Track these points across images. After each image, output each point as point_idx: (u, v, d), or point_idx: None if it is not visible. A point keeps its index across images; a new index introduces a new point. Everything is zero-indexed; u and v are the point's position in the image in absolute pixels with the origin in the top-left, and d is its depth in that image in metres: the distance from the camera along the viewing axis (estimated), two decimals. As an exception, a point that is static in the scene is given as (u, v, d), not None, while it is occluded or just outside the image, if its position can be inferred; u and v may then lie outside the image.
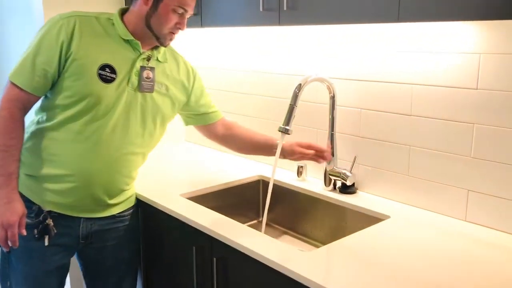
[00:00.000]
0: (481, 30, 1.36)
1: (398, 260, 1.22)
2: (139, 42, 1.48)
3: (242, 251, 1.29)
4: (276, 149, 1.59)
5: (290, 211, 1.83)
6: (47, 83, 1.41)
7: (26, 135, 1.45)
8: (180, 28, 1.47)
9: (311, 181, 1.85)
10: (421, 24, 1.47)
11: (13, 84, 1.39)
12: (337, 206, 1.66)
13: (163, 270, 1.71)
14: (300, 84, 1.57)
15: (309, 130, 1.89)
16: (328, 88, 1.67)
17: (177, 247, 1.63)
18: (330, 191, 1.73)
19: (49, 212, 1.47)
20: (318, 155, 1.65)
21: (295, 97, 1.57)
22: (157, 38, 1.47)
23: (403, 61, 1.55)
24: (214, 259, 1.40)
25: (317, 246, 1.71)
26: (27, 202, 1.43)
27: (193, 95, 1.66)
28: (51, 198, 1.47)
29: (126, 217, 1.63)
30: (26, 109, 1.43)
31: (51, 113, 1.44)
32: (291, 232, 1.83)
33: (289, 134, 1.56)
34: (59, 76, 1.41)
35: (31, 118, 1.50)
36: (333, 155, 1.71)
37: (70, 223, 1.51)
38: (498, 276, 1.15)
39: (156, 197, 1.65)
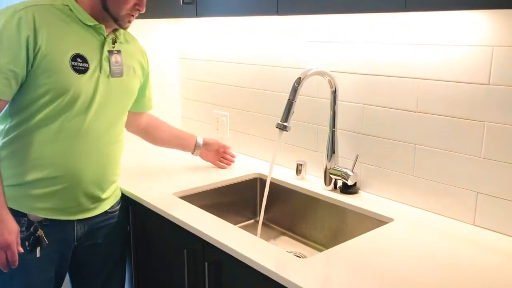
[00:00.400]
0: (494, 20, 1.30)
1: (401, 267, 1.18)
2: (103, 26, 1.43)
3: (236, 256, 1.25)
4: (194, 148, 1.84)
5: (288, 211, 1.79)
6: (16, 84, 1.32)
7: None
8: (139, 10, 1.43)
9: (311, 180, 1.80)
10: (429, 14, 1.42)
11: None
12: (337, 207, 1.61)
13: (154, 273, 1.68)
14: (300, 78, 1.53)
15: (309, 127, 1.84)
16: (329, 82, 1.63)
17: (168, 250, 1.59)
18: (331, 190, 1.68)
19: (40, 222, 1.41)
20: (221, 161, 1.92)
21: (294, 91, 1.52)
22: (116, 21, 1.43)
23: (409, 54, 1.49)
24: (206, 263, 1.36)
25: (316, 249, 1.67)
26: (16, 216, 1.36)
27: (146, 77, 1.67)
28: (41, 204, 1.41)
29: (116, 213, 1.61)
30: None
31: (25, 115, 1.36)
32: (289, 233, 1.79)
33: (287, 131, 1.52)
34: (27, 75, 1.32)
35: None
36: (334, 152, 1.67)
37: (64, 229, 1.47)
38: (509, 285, 1.11)
39: (147, 197, 1.61)
